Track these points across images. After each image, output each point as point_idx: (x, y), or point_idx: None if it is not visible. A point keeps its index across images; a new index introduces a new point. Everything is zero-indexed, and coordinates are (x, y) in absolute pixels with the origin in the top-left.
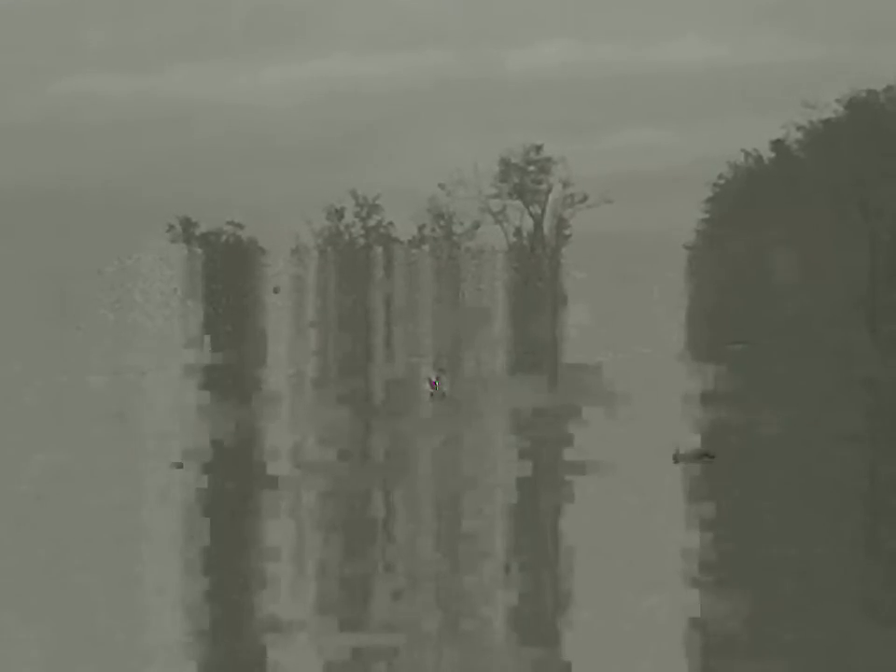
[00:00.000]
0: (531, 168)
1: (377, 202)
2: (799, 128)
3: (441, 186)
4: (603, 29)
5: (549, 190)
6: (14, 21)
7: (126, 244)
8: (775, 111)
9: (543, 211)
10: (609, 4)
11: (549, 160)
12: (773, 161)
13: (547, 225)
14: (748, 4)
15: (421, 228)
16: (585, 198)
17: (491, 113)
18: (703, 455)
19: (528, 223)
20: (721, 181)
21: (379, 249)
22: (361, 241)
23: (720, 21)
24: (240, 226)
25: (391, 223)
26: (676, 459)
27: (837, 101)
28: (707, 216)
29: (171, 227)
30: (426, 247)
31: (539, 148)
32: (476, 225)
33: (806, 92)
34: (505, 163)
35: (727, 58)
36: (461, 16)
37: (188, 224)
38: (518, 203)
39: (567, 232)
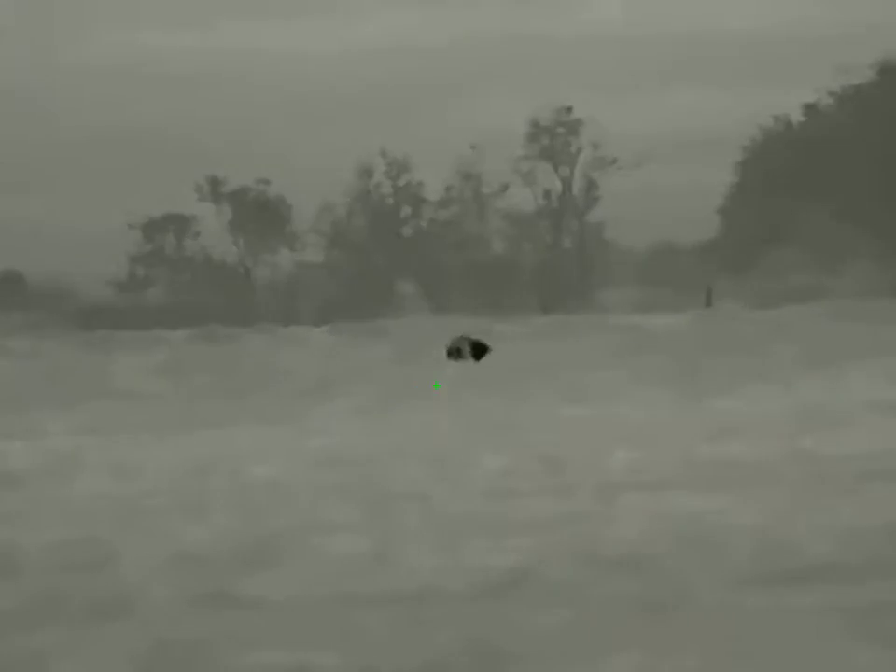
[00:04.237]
0: (560, 130)
1: (407, 161)
2: (831, 93)
3: (472, 146)
4: None
5: (578, 152)
6: None
7: (154, 198)
8: (815, 75)
9: (572, 173)
10: None
11: (579, 121)
12: (803, 126)
13: (576, 187)
14: None
15: (449, 189)
16: (615, 160)
17: (534, 72)
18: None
19: (557, 185)
20: (752, 145)
21: (408, 209)
22: (390, 200)
23: None
24: (267, 182)
25: (420, 183)
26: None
27: (869, 66)
28: (737, 179)
29: (199, 186)
30: (454, 208)
31: (569, 110)
32: (505, 186)
33: (840, 56)
34: (534, 125)
35: (776, 21)
36: None
37: (215, 183)
38: (547, 164)
39: (596, 194)
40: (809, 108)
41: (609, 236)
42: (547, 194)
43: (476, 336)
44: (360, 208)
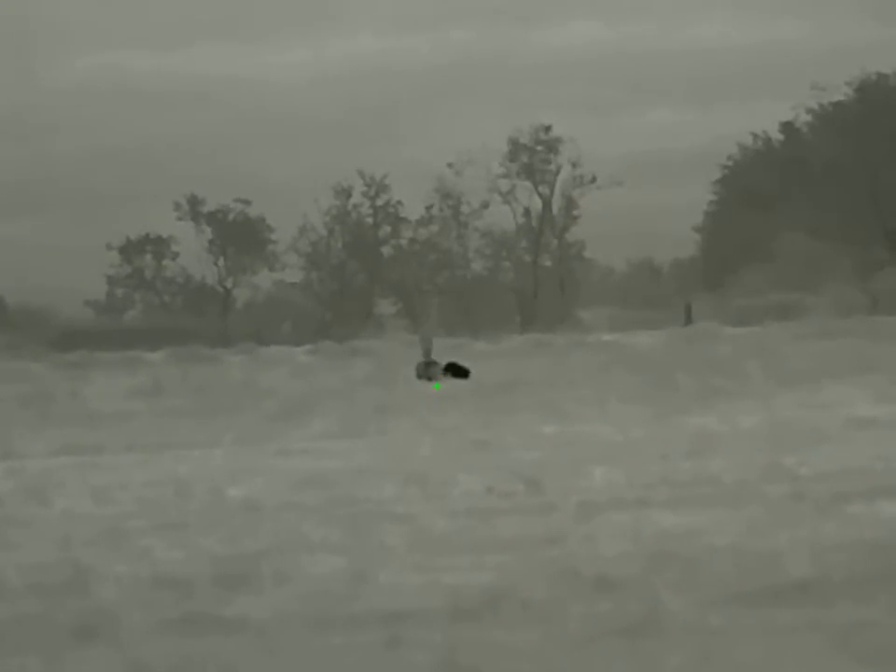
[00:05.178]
0: (539, 148)
1: (386, 181)
2: (808, 111)
3: (450, 165)
4: (628, 10)
5: (558, 171)
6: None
7: (135, 218)
8: (793, 93)
9: (552, 191)
10: None
11: (558, 139)
12: (782, 144)
13: (556, 205)
14: None
15: (429, 208)
16: (594, 179)
17: (512, 93)
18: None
19: (537, 203)
20: (731, 163)
21: (387, 228)
22: (369, 220)
23: (744, 3)
24: (247, 202)
25: (399, 202)
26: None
27: (847, 84)
28: (715, 197)
29: (178, 205)
30: (433, 227)
31: (548, 128)
32: (484, 205)
33: (819, 75)
34: (513, 143)
35: (751, 40)
36: None
37: (195, 202)
38: (527, 183)
39: (575, 213)
40: (786, 126)
41: (588, 255)
42: (526, 213)
43: (448, 357)
44: (340, 228)
